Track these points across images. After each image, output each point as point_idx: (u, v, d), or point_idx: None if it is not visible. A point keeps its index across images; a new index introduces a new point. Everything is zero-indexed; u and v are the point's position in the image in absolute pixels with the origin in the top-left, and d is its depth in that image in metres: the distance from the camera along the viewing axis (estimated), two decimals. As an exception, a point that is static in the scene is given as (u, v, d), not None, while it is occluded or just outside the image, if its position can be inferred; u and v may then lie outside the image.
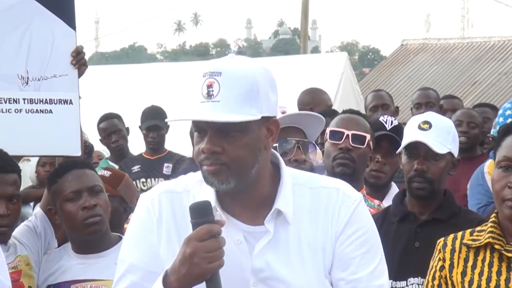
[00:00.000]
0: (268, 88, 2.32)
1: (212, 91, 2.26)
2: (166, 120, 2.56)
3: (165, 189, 2.42)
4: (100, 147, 7.35)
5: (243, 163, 2.28)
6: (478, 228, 2.83)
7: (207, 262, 2.21)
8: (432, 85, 21.84)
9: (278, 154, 2.44)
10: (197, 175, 2.42)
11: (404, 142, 3.67)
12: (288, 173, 2.40)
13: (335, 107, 9.68)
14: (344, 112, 4.05)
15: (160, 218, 2.37)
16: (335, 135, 3.83)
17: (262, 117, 2.29)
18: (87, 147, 5.76)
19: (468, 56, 23.16)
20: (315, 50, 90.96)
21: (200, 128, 2.31)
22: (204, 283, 2.25)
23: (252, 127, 2.29)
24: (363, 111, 7.78)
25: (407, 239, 3.55)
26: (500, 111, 5.65)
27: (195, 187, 2.40)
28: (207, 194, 2.34)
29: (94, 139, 7.31)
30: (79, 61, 3.98)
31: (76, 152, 3.94)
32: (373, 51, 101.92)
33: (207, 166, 2.29)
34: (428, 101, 6.62)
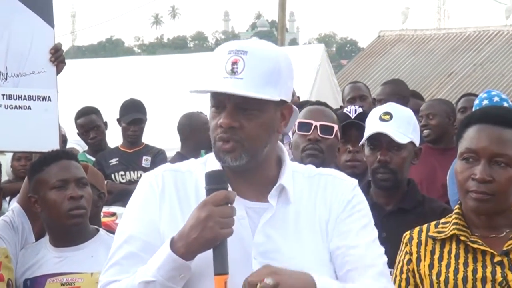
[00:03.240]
0: (288, 73, 2.40)
1: (237, 68, 2.31)
2: (190, 91, 2.45)
3: (169, 168, 2.47)
4: (73, 141, 7.34)
5: (258, 141, 2.35)
6: (442, 220, 2.83)
7: (220, 227, 2.24)
8: (409, 76, 22.00)
9: (280, 142, 2.51)
10: (200, 159, 2.50)
11: (366, 134, 3.72)
12: (288, 160, 2.49)
13: (312, 98, 9.73)
14: (312, 104, 4.09)
15: (163, 194, 2.40)
16: (303, 126, 3.87)
17: (280, 100, 2.36)
18: (63, 141, 5.77)
19: (444, 47, 23.27)
20: (293, 42, 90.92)
21: (219, 103, 2.36)
22: (205, 258, 2.27)
23: (269, 108, 2.36)
24: (340, 103, 7.84)
25: None
26: (477, 101, 5.70)
27: (198, 169, 2.45)
28: None
29: (72, 132, 7.32)
30: (58, 58, 4.03)
31: (55, 145, 3.97)
32: (351, 43, 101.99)
33: (222, 144, 2.35)
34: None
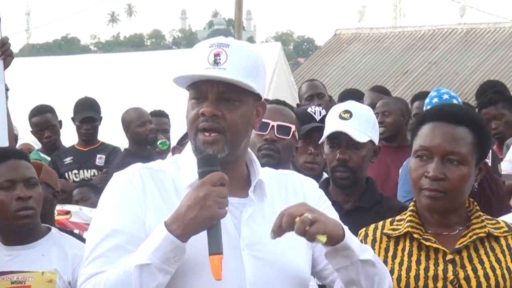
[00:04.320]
0: (264, 72, 2.46)
1: (219, 59, 2.36)
2: (173, 78, 2.45)
3: (143, 166, 2.47)
4: (29, 138, 7.29)
5: (238, 132, 2.39)
6: (397, 217, 2.84)
7: (218, 206, 2.27)
8: (365, 74, 22.13)
9: None
10: (168, 160, 2.51)
11: (325, 132, 3.72)
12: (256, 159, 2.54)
13: (269, 96, 9.75)
14: (270, 102, 4.04)
15: (145, 189, 2.40)
16: (260, 125, 3.82)
17: (257, 95, 2.43)
18: (15, 139, 5.71)
19: (399, 45, 23.43)
20: (250, 40, 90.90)
21: (201, 94, 2.38)
22: (198, 241, 2.28)
23: (249, 100, 2.41)
24: (297, 101, 7.85)
25: None
26: (427, 100, 5.75)
27: (170, 168, 2.46)
28: (189, 171, 2.40)
29: (26, 131, 7.25)
30: (5, 52, 3.97)
31: (3, 143, 3.92)
32: (308, 41, 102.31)
33: (204, 136, 2.37)
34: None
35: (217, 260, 2.27)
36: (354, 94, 7.13)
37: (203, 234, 2.29)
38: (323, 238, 2.27)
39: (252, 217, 2.43)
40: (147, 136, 6.88)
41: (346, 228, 2.38)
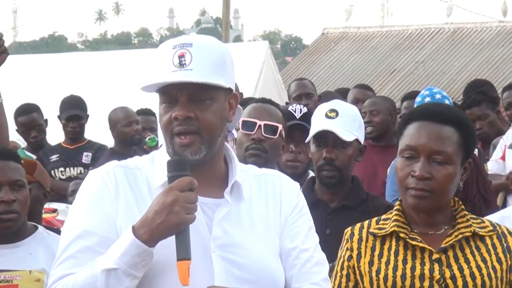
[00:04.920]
0: (231, 64, 2.44)
1: (184, 60, 2.35)
2: (140, 87, 2.44)
3: (118, 164, 2.46)
4: (15, 136, 7.25)
5: (213, 130, 2.38)
6: (383, 217, 2.84)
7: (185, 212, 2.26)
8: (352, 73, 22.18)
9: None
10: (145, 157, 2.50)
11: (312, 131, 3.72)
12: (236, 158, 2.52)
13: (256, 95, 9.74)
14: (257, 101, 4.04)
15: (117, 189, 2.39)
16: (247, 125, 3.83)
17: (228, 89, 2.41)
18: None
19: (387, 45, 23.49)
20: (238, 39, 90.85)
21: (171, 98, 2.37)
22: (166, 246, 2.27)
23: (220, 96, 2.40)
24: (285, 99, 7.85)
25: (318, 226, 3.60)
26: (419, 99, 5.75)
27: (146, 166, 2.45)
28: (162, 170, 2.38)
29: (11, 129, 7.20)
30: None
31: None
32: (296, 40, 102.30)
33: (180, 139, 2.36)
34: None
35: (185, 265, 2.27)
36: (334, 96, 7.07)
37: (173, 238, 2.29)
38: None
39: (227, 218, 2.41)
40: (133, 137, 6.88)
41: None
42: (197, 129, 2.36)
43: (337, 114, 3.67)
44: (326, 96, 6.70)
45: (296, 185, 2.57)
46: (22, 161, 3.84)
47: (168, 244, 2.28)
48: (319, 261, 2.48)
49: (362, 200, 3.71)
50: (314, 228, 2.53)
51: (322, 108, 3.74)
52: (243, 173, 2.49)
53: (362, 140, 3.76)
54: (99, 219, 2.36)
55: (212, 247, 2.37)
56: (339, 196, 3.71)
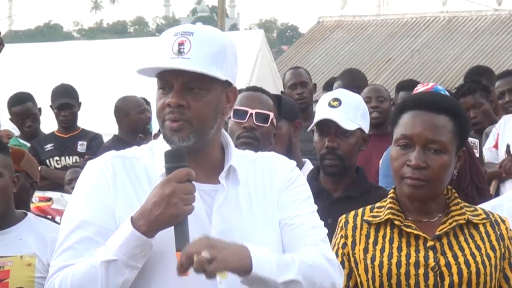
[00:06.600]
0: (233, 57, 2.46)
1: (183, 48, 2.36)
2: (137, 70, 2.47)
3: (116, 154, 2.47)
4: (9, 125, 7.25)
5: (205, 121, 2.39)
6: (377, 204, 2.85)
7: (183, 203, 2.28)
8: (347, 62, 22.16)
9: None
10: (144, 146, 2.51)
11: (315, 120, 3.73)
12: (232, 144, 2.53)
13: (251, 84, 9.75)
14: (248, 89, 4.02)
15: (115, 179, 2.40)
16: (239, 113, 3.82)
17: (225, 82, 2.42)
18: None
19: (382, 33, 23.47)
20: (234, 27, 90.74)
21: (166, 84, 2.40)
22: (166, 237, 2.29)
23: (216, 88, 2.41)
24: (281, 88, 7.84)
25: (321, 215, 3.60)
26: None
27: (145, 156, 2.47)
28: (162, 159, 2.39)
29: (5, 117, 7.20)
30: None
31: None
32: (292, 28, 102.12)
33: (170, 122, 2.38)
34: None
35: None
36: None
37: (171, 228, 2.30)
38: (224, 276, 2.25)
39: (224, 203, 2.42)
40: (145, 124, 6.86)
41: (258, 255, 2.30)
42: (188, 118, 2.38)
43: (340, 103, 3.68)
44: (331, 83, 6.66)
45: (293, 162, 2.58)
46: (10, 150, 3.81)
47: (167, 235, 2.29)
48: (315, 225, 2.48)
49: (365, 190, 3.70)
50: (311, 199, 2.53)
51: (326, 97, 3.75)
52: (240, 158, 2.51)
53: (366, 129, 3.76)
54: (98, 210, 2.37)
55: (213, 235, 2.37)
56: (342, 185, 3.72)
